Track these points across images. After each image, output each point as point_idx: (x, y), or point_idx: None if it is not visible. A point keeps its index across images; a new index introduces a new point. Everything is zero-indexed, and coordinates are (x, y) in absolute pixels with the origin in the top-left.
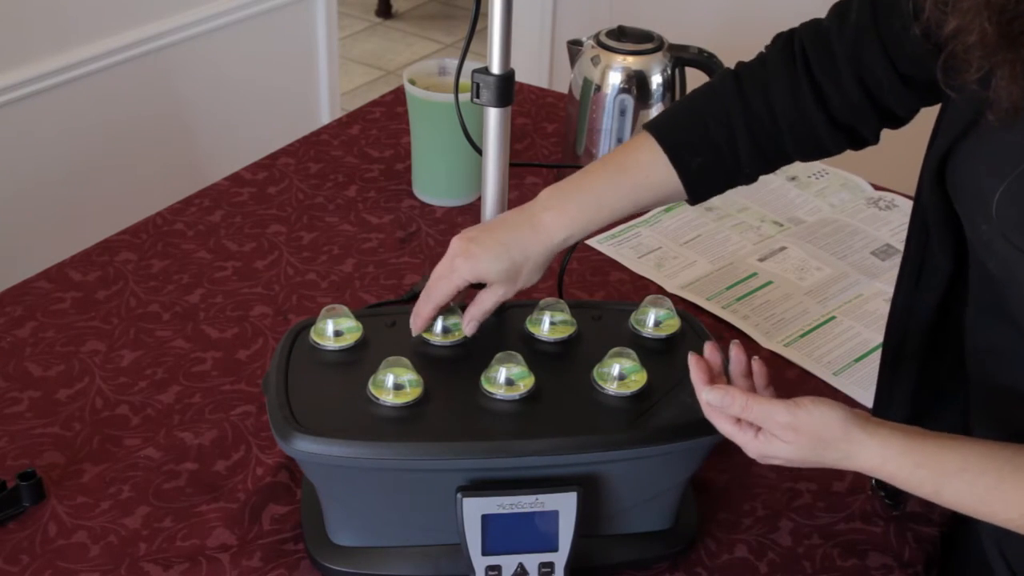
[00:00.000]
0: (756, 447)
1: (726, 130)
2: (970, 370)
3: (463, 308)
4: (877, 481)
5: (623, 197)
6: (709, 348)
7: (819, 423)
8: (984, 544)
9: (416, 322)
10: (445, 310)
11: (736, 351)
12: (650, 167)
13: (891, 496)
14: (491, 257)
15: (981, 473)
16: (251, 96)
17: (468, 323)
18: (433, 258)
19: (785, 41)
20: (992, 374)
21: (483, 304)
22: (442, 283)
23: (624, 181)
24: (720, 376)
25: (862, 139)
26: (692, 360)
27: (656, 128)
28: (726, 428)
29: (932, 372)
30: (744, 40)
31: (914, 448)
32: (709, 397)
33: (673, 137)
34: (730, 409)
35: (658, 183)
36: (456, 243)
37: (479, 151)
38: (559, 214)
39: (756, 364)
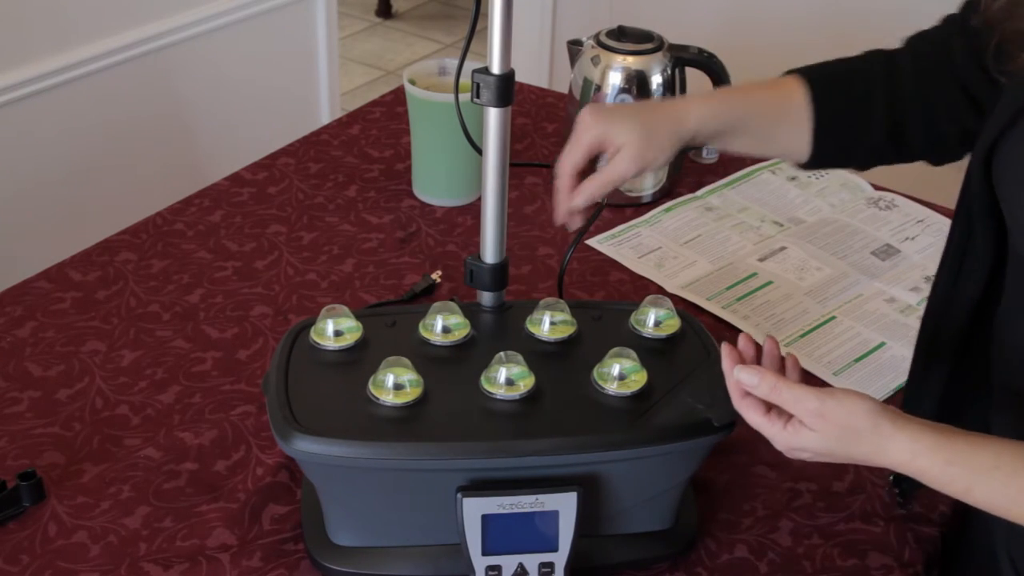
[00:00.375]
0: (784, 438)
1: (869, 89)
2: (995, 370)
3: (463, 307)
4: (895, 476)
5: (763, 109)
6: (743, 340)
7: (848, 413)
8: (996, 546)
9: (560, 198)
10: (447, 310)
11: (770, 344)
12: (795, 95)
13: (904, 494)
14: (621, 115)
15: (1014, 473)
16: (251, 96)
17: (583, 194)
18: (433, 258)
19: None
20: (1018, 374)
21: (611, 172)
22: (572, 147)
23: (768, 96)
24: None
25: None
26: (725, 348)
27: (806, 71)
28: (755, 419)
29: (964, 370)
30: (744, 40)
31: (945, 444)
32: (741, 375)
33: (821, 82)
34: (759, 389)
35: (795, 116)
36: (586, 108)
37: (479, 151)
38: (699, 102)
39: (789, 358)
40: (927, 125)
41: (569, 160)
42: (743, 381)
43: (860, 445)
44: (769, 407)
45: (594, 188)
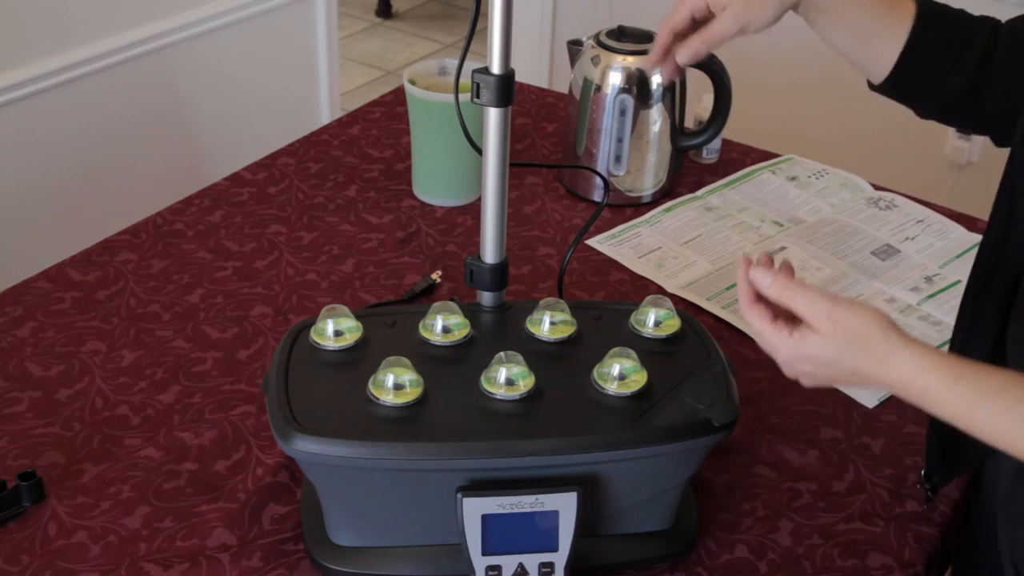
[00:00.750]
0: (789, 346)
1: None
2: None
3: (463, 307)
4: (925, 472)
5: (871, 4)
6: (762, 255)
7: (859, 319)
8: (1000, 548)
9: (653, 54)
10: (447, 310)
11: (785, 265)
12: (904, 8)
13: (934, 489)
14: None
15: (1020, 399)
16: (251, 96)
17: (688, 49)
18: (433, 258)
19: None
20: None
21: (714, 30)
22: (677, 7)
23: None
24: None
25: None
26: (741, 258)
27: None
28: (761, 326)
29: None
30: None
31: (952, 363)
32: (755, 275)
33: (932, 12)
34: (771, 289)
35: (896, 26)
36: None
37: (479, 151)
38: None
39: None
40: (1005, 94)
41: (672, 19)
42: (756, 280)
43: (866, 353)
44: (775, 317)
45: (698, 44)
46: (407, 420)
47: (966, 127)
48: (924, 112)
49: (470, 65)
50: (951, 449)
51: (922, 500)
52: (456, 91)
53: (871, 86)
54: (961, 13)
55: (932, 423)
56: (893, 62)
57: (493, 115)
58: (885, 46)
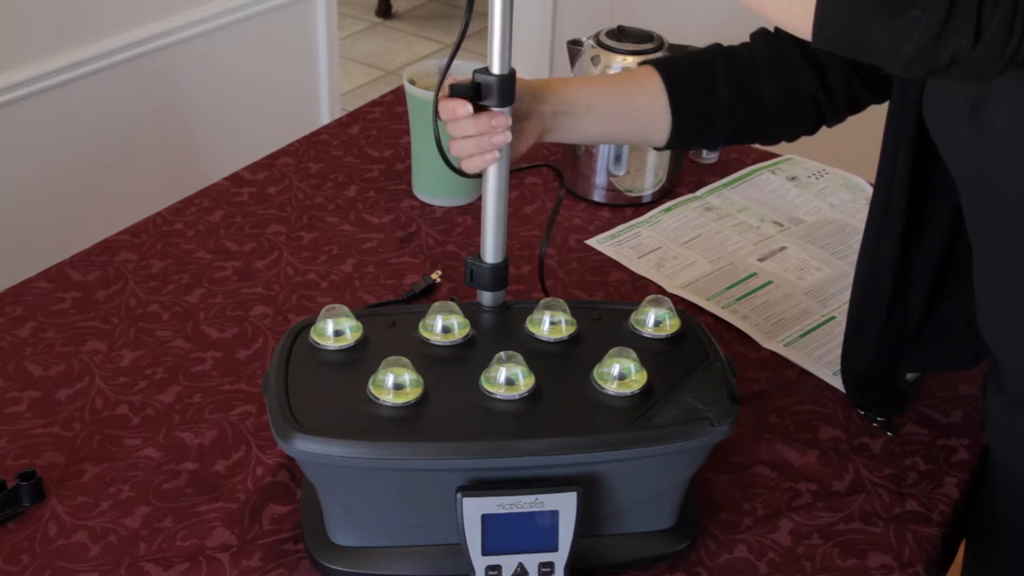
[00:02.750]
0: None
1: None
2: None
3: (463, 307)
4: (863, 409)
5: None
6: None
7: None
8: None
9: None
10: (447, 310)
11: None
12: (648, 75)
13: (880, 415)
14: None
15: None
16: (251, 96)
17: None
18: (433, 258)
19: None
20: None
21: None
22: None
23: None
24: None
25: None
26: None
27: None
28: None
29: (894, 327)
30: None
31: None
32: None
33: (669, 64)
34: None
35: (652, 90)
36: None
37: (453, 168)
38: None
39: None
40: (779, 91)
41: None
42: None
43: None
44: None
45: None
46: (407, 420)
47: (771, 137)
48: (715, 143)
49: (470, 65)
50: (866, 378)
51: (885, 431)
52: (437, 92)
53: (657, 148)
54: (689, 54)
55: (845, 357)
56: (668, 125)
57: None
58: (653, 115)
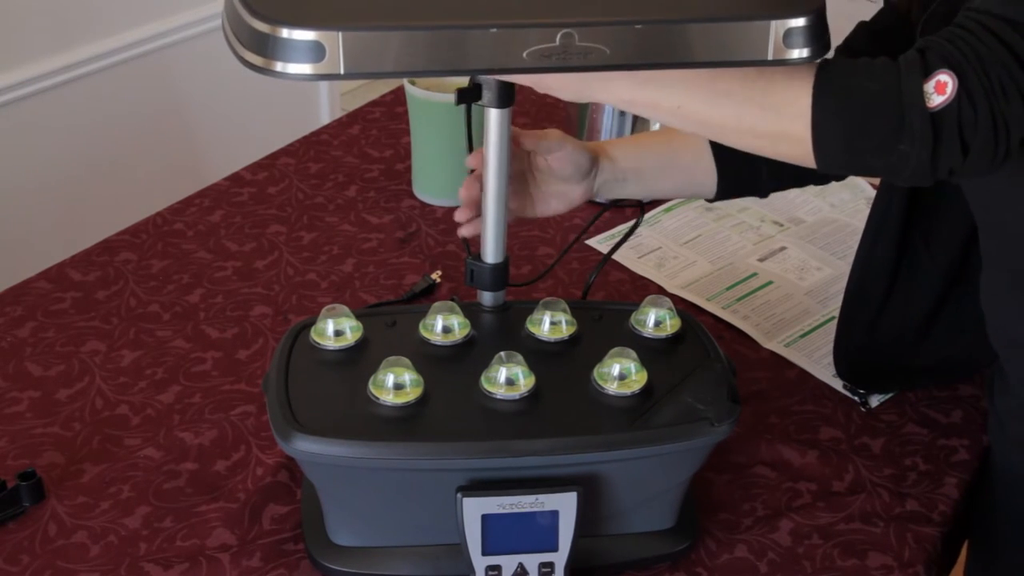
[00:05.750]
0: None
1: None
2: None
3: (463, 307)
4: (844, 384)
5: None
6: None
7: None
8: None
9: (463, 205)
10: (447, 310)
11: None
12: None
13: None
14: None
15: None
16: (251, 96)
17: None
18: (433, 258)
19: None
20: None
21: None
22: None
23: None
24: None
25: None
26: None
27: None
28: None
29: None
30: None
31: None
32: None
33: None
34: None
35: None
36: None
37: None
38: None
39: None
40: None
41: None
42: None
43: None
44: None
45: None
46: (407, 420)
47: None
48: (765, 192)
49: None
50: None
51: (862, 408)
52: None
53: (709, 200)
54: None
55: (839, 338)
56: (715, 180)
57: (494, 116)
58: (700, 173)
